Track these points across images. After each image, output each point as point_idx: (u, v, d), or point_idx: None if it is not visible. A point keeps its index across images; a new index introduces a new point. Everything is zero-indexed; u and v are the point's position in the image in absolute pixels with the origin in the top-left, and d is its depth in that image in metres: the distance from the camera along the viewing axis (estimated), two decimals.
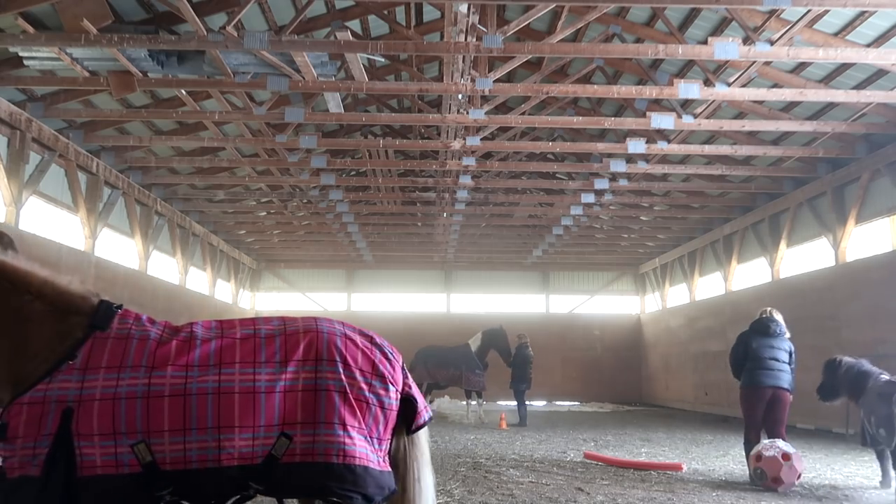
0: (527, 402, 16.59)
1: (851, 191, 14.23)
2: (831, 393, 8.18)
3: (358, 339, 2.75)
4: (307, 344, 2.66)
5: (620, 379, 26.73)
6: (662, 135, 13.88)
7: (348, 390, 2.60)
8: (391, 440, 2.74)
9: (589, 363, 27.00)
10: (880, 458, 7.69)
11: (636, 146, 13.51)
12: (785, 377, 7.99)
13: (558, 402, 25.49)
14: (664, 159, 15.45)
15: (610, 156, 15.12)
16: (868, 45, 10.45)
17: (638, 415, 20.60)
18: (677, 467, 8.79)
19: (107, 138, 13.62)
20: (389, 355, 2.79)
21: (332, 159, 15.34)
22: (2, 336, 2.50)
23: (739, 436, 13.48)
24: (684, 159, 15.92)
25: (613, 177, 16.32)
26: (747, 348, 8.08)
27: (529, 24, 10.58)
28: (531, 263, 26.88)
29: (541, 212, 19.64)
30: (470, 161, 14.91)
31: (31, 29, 9.10)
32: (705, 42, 9.87)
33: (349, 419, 2.57)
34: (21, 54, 9.72)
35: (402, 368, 2.82)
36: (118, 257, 15.80)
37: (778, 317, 8.28)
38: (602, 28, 11.91)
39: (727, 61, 10.58)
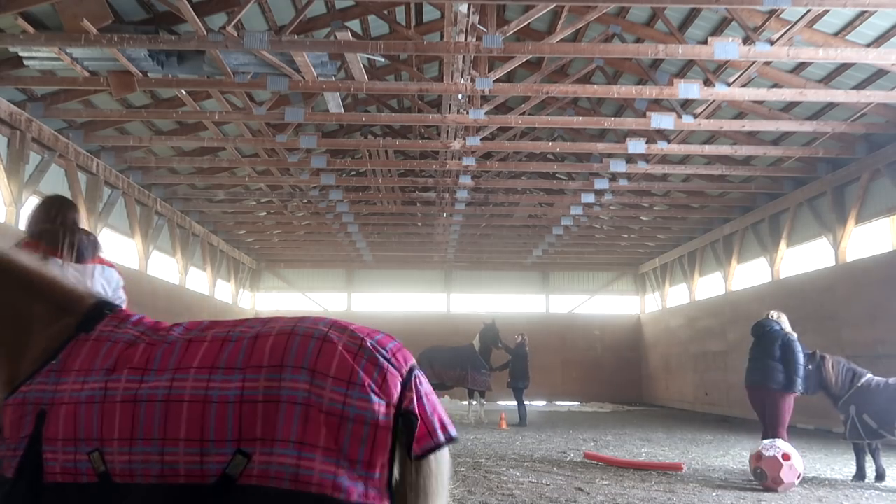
0: (526, 402, 16.61)
1: (851, 191, 14.23)
2: (815, 386, 8.28)
3: (341, 341, 2.29)
4: (272, 347, 2.29)
5: (620, 379, 26.73)
6: (662, 135, 13.88)
7: (313, 402, 2.17)
8: (388, 466, 2.21)
9: (589, 363, 27.01)
10: (859, 452, 8.07)
11: (636, 146, 13.52)
12: (770, 374, 7.99)
13: (558, 402, 25.49)
14: (664, 159, 15.46)
15: (610, 156, 15.13)
16: (868, 45, 10.45)
17: (638, 415, 20.61)
18: (677, 467, 8.79)
19: (107, 138, 13.63)
20: (381, 361, 2.27)
21: (332, 159, 15.35)
22: (7, 338, 2.52)
23: (739, 436, 13.55)
24: (684, 159, 15.92)
25: (613, 177, 16.32)
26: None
27: (529, 24, 10.59)
28: (531, 263, 26.88)
29: (541, 212, 19.64)
30: (470, 161, 14.91)
31: (31, 29, 9.10)
32: (705, 42, 9.87)
33: (311, 437, 2.15)
34: (21, 54, 9.72)
35: (405, 378, 2.29)
36: (118, 257, 15.80)
37: (774, 315, 8.36)
38: (602, 28, 11.91)
39: (727, 61, 10.58)
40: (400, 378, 2.28)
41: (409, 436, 2.26)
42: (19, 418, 2.36)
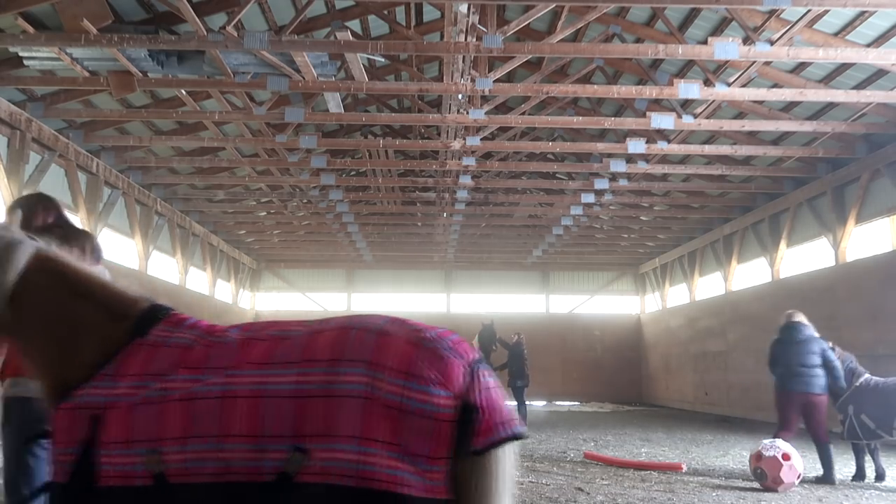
0: (527, 402, 16.61)
1: (851, 191, 14.23)
2: None
3: (400, 334, 2.25)
4: (330, 342, 2.25)
5: (620, 379, 26.74)
6: (662, 135, 13.88)
7: (372, 395, 2.13)
8: (449, 459, 2.14)
9: (589, 363, 27.01)
10: (858, 452, 8.11)
11: (636, 146, 13.51)
12: (817, 382, 8.06)
13: (558, 403, 25.50)
14: (664, 159, 15.45)
15: (610, 156, 15.12)
16: (868, 45, 10.45)
17: (638, 415, 20.61)
18: (677, 467, 8.79)
19: (107, 138, 13.63)
20: (443, 352, 2.20)
21: (332, 159, 15.35)
22: (57, 342, 2.51)
23: (739, 436, 13.55)
24: (684, 159, 15.92)
25: (613, 177, 16.32)
26: (775, 355, 8.29)
27: (529, 24, 10.58)
28: (531, 263, 26.88)
29: (541, 212, 19.64)
30: (470, 161, 14.91)
31: (31, 29, 9.10)
32: (705, 42, 9.86)
33: (371, 431, 2.10)
34: (21, 54, 9.72)
35: (470, 369, 2.22)
36: (118, 257, 15.80)
37: (800, 319, 8.38)
38: (602, 28, 11.91)
39: (727, 61, 10.58)
40: (463, 369, 2.21)
41: (473, 429, 2.17)
42: (72, 423, 2.34)
